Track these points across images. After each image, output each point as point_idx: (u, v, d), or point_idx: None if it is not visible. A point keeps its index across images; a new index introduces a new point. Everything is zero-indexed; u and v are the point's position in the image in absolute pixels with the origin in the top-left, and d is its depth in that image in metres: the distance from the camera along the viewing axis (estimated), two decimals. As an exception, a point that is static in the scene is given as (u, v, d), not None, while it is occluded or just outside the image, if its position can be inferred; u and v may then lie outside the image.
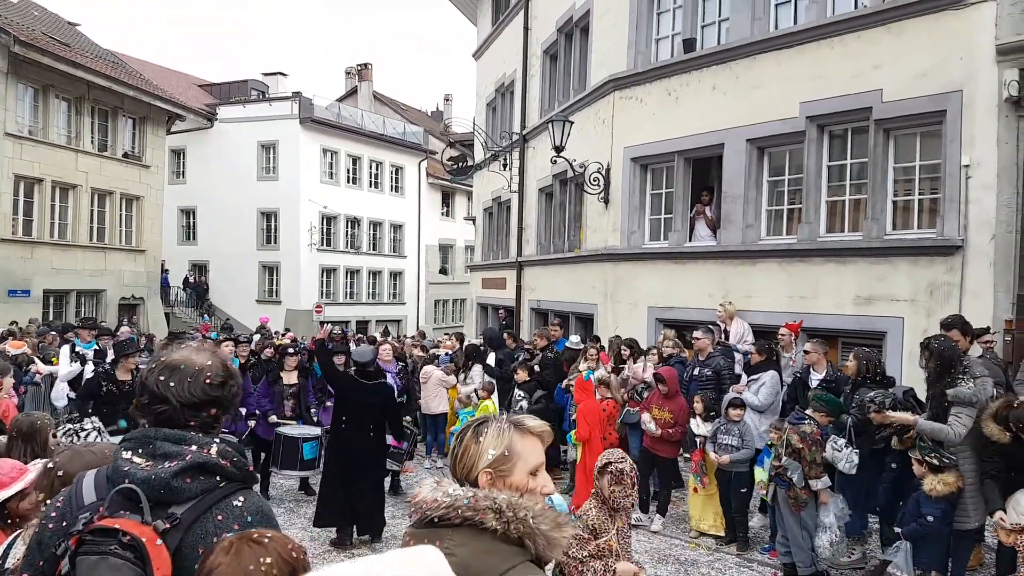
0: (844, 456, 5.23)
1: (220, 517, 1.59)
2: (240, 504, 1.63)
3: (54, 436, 3.55)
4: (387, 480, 7.66)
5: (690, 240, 10.30)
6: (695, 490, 6.64)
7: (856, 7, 8.46)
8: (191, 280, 28.80)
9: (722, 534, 6.44)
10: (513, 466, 1.59)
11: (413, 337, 16.66)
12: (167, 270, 26.24)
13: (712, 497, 6.51)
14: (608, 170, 11.26)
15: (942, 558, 4.81)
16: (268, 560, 1.45)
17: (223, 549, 1.47)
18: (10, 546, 2.17)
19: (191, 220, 30.12)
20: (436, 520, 1.48)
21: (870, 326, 8.03)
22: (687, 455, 6.69)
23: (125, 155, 20.61)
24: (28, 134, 17.67)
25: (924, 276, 7.61)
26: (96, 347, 9.31)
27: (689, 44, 10.19)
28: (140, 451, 1.63)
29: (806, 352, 6.57)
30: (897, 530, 4.93)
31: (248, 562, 1.45)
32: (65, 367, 8.81)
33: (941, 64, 7.47)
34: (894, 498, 5.51)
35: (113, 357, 7.50)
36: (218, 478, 1.63)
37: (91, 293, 19.88)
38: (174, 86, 26.47)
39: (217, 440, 1.69)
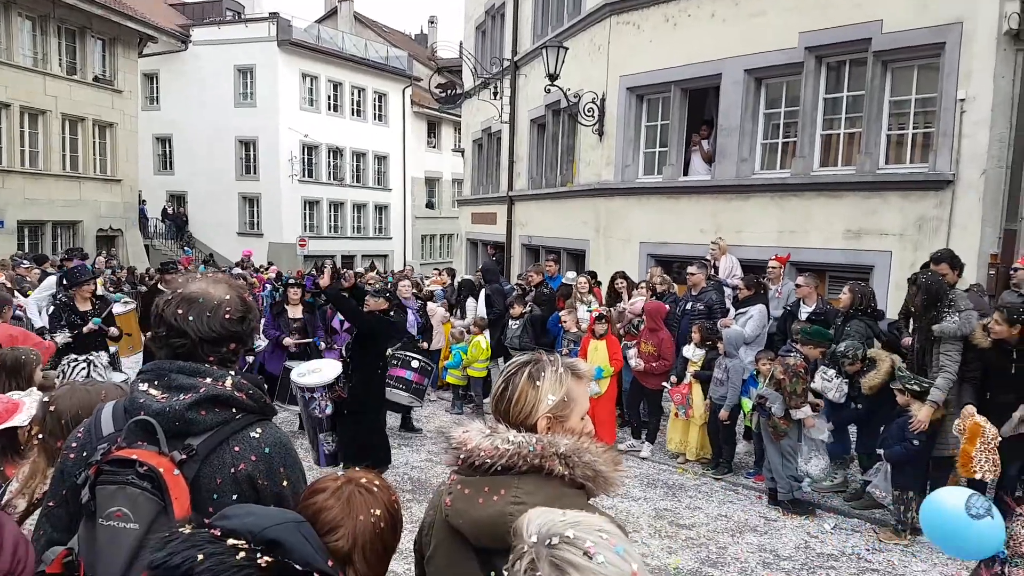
0: (834, 386, 5.41)
1: (237, 448, 1.60)
2: (257, 436, 1.64)
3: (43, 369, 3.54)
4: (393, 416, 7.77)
5: (686, 174, 10.26)
6: (675, 415, 6.88)
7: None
8: (169, 211, 28.14)
9: (707, 459, 6.70)
10: (571, 412, 1.59)
11: (402, 272, 16.60)
12: (144, 201, 25.61)
13: (693, 423, 6.73)
14: (603, 100, 11.06)
15: (920, 480, 5.07)
16: (377, 512, 1.48)
17: (332, 492, 1.48)
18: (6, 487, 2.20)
19: (167, 149, 29.21)
20: (499, 468, 1.47)
21: (858, 260, 8.16)
22: (666, 385, 6.83)
23: (96, 79, 19.75)
24: (-10, 56, 16.86)
25: (914, 210, 7.70)
26: None
27: (688, -32, 9.86)
28: (155, 383, 1.63)
29: (797, 286, 6.69)
30: (879, 452, 5.16)
31: (359, 511, 1.46)
32: (44, 291, 8.75)
33: (943, -6, 7.36)
34: (870, 425, 5.72)
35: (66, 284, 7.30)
36: (234, 410, 1.64)
37: (67, 224, 19.40)
38: (144, 5, 25.14)
39: (232, 372, 1.68)
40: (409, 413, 8.05)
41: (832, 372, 5.45)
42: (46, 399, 2.17)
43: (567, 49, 11.02)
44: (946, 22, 7.35)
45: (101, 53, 20.10)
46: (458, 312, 9.84)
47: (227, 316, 1.67)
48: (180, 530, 1.24)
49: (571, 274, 9.75)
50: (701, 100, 10.59)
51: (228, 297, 1.69)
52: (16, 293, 9.53)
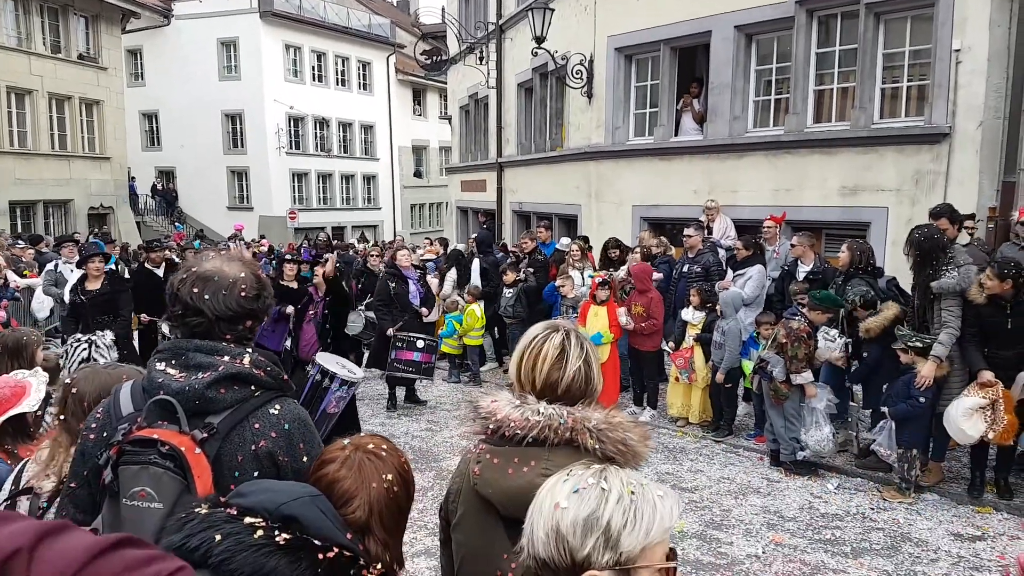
0: (837, 346, 5.40)
1: (257, 425, 1.60)
2: (276, 412, 1.64)
3: (45, 350, 3.53)
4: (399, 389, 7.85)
5: (676, 135, 10.14)
6: (675, 379, 6.88)
7: None
8: (159, 187, 27.91)
9: (708, 422, 6.73)
10: (595, 373, 1.63)
11: (398, 242, 16.50)
12: (133, 177, 25.34)
13: (696, 387, 6.74)
14: (591, 62, 10.88)
15: (924, 438, 5.09)
16: (389, 477, 1.47)
17: (342, 461, 1.48)
18: (23, 468, 2.20)
19: (154, 125, 28.79)
20: (529, 440, 1.47)
21: (855, 217, 8.12)
22: (667, 349, 6.84)
23: (80, 56, 19.44)
24: (-27, 37, 16.54)
25: (910, 165, 7.63)
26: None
27: (676, -78, 9.62)
28: (173, 362, 1.63)
29: (792, 245, 6.65)
30: (883, 410, 5.17)
31: (371, 478, 1.46)
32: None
33: (937, -59, 7.18)
34: (873, 384, 5.74)
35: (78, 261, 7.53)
36: (253, 387, 1.63)
37: (58, 204, 19.30)
38: (121, -22, 24.59)
39: (250, 350, 1.67)
40: (413, 385, 8.06)
41: (834, 332, 5.45)
42: (68, 381, 2.15)
43: (553, 10, 10.80)
44: (940, -30, 7.20)
45: (84, 30, 19.79)
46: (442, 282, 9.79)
47: (243, 294, 1.67)
48: (197, 510, 1.23)
49: (565, 240, 9.70)
50: (691, 59, 10.42)
51: (243, 275, 1.69)
52: (10, 273, 9.50)
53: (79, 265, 7.15)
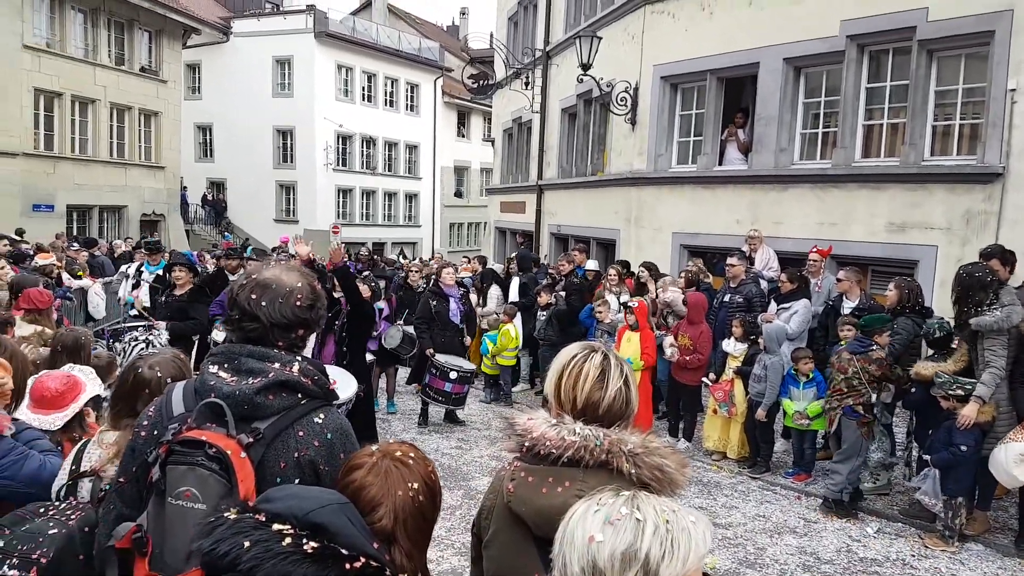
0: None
1: (301, 433, 1.63)
2: (320, 421, 1.67)
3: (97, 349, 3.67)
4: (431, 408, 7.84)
5: (720, 164, 10.10)
6: (714, 411, 6.75)
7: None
8: (209, 198, 28.83)
9: (746, 457, 6.59)
10: (634, 398, 1.63)
11: (431, 261, 16.63)
12: (185, 187, 26.20)
13: (735, 421, 6.60)
14: (636, 89, 10.94)
15: (970, 486, 4.90)
16: (415, 485, 1.47)
17: (369, 468, 1.48)
18: (82, 449, 2.27)
19: (208, 137, 29.84)
20: (564, 460, 1.46)
21: (902, 254, 7.95)
22: (707, 381, 6.73)
23: (143, 69, 20.33)
24: (46, 47, 17.39)
25: (961, 203, 7.46)
26: (160, 271, 9.05)
27: (727, -45, 9.68)
28: (226, 366, 1.67)
29: (839, 280, 6.53)
30: (926, 457, 5.01)
31: (397, 486, 1.45)
32: (124, 290, 9.10)
33: (991, -19, 7.09)
34: (921, 424, 5.56)
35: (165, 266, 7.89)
36: (300, 395, 1.66)
37: (113, 209, 20.04)
38: (187, -3, 25.69)
39: (299, 358, 1.71)
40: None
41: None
42: (154, 367, 2.20)
43: (600, 39, 10.91)
44: (995, 10, 7.09)
45: (147, 44, 20.69)
46: (482, 300, 9.84)
47: (298, 303, 1.72)
48: (226, 515, 1.24)
49: (591, 263, 9.66)
50: (737, 88, 10.40)
51: (299, 284, 1.74)
52: (65, 273, 9.86)
53: (166, 271, 7.55)
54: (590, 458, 1.45)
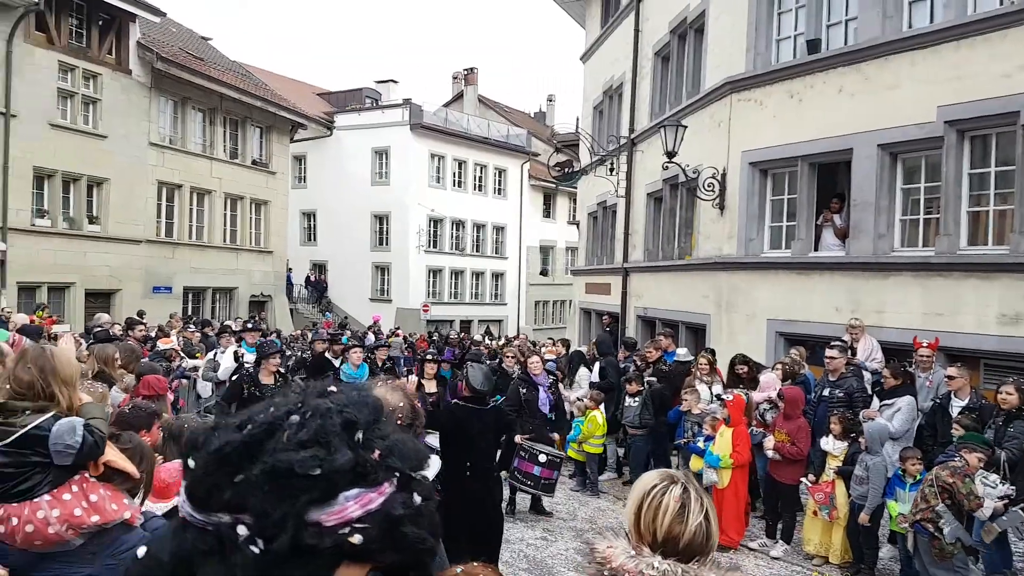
0: (999, 492, 4.87)
1: None
2: None
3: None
4: (518, 496, 7.71)
5: (816, 250, 9.87)
6: (814, 513, 6.38)
7: (1001, 3, 7.84)
8: (312, 279, 30.73)
9: (849, 563, 6.16)
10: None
11: (516, 341, 16.78)
12: (291, 269, 27.99)
13: (837, 524, 6.22)
14: (724, 175, 10.97)
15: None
16: None
17: None
18: None
19: (311, 223, 32.03)
20: None
21: (1017, 348, 7.41)
22: (805, 481, 6.39)
23: (254, 162, 22.25)
24: (169, 144, 19.37)
25: (1084, 294, 6.96)
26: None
27: (814, 45, 9.77)
28: None
29: (951, 377, 6.14)
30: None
31: None
32: (227, 363, 9.18)
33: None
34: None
35: (255, 358, 7.76)
36: None
37: (225, 291, 21.60)
38: (295, 95, 28.09)
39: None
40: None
41: (995, 477, 4.92)
42: None
43: (686, 127, 11.10)
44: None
45: (259, 139, 22.71)
46: (568, 383, 9.80)
47: (398, 422, 1.85)
48: None
49: (682, 351, 9.48)
50: (831, 173, 10.25)
51: (401, 404, 1.90)
52: (183, 355, 10.57)
53: (257, 362, 7.29)
54: None
